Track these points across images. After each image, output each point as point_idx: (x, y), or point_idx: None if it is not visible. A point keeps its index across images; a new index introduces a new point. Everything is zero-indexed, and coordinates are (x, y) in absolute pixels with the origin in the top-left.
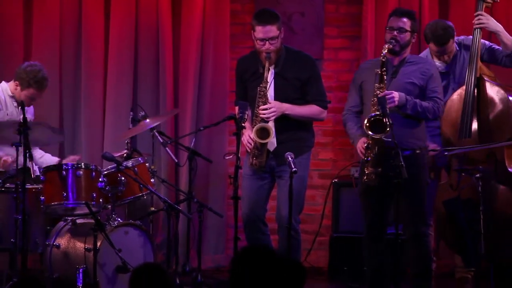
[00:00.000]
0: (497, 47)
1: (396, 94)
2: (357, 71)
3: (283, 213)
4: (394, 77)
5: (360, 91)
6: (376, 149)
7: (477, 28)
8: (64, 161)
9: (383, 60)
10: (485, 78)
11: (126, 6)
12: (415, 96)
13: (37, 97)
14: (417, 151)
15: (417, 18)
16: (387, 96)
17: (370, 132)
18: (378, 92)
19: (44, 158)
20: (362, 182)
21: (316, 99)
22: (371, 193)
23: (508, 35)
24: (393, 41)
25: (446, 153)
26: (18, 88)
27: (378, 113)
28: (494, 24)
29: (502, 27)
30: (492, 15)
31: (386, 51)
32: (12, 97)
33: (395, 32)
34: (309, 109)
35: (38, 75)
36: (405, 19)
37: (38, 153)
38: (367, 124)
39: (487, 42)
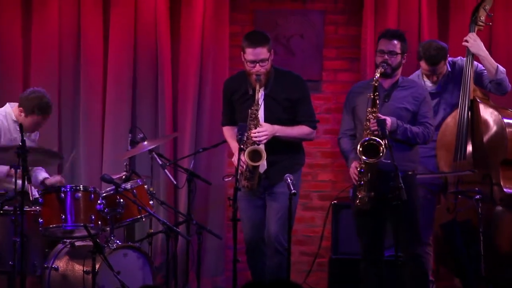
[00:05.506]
0: (485, 71)
1: (388, 120)
2: (348, 95)
3: (272, 231)
4: (386, 101)
5: (353, 115)
6: (369, 175)
7: (467, 49)
8: (47, 181)
9: (376, 84)
10: (479, 100)
11: (125, 28)
12: (407, 121)
13: (42, 123)
14: (409, 173)
15: (406, 38)
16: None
17: (363, 157)
18: (371, 116)
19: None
20: (354, 205)
21: (306, 120)
22: (365, 217)
23: (493, 61)
24: (385, 64)
25: (418, 176)
26: (23, 114)
27: (370, 137)
28: (477, 47)
29: (487, 52)
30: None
31: (378, 75)
32: (15, 122)
33: (385, 56)
34: (299, 130)
35: (41, 102)
36: (395, 42)
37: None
38: (360, 149)
39: (479, 66)
